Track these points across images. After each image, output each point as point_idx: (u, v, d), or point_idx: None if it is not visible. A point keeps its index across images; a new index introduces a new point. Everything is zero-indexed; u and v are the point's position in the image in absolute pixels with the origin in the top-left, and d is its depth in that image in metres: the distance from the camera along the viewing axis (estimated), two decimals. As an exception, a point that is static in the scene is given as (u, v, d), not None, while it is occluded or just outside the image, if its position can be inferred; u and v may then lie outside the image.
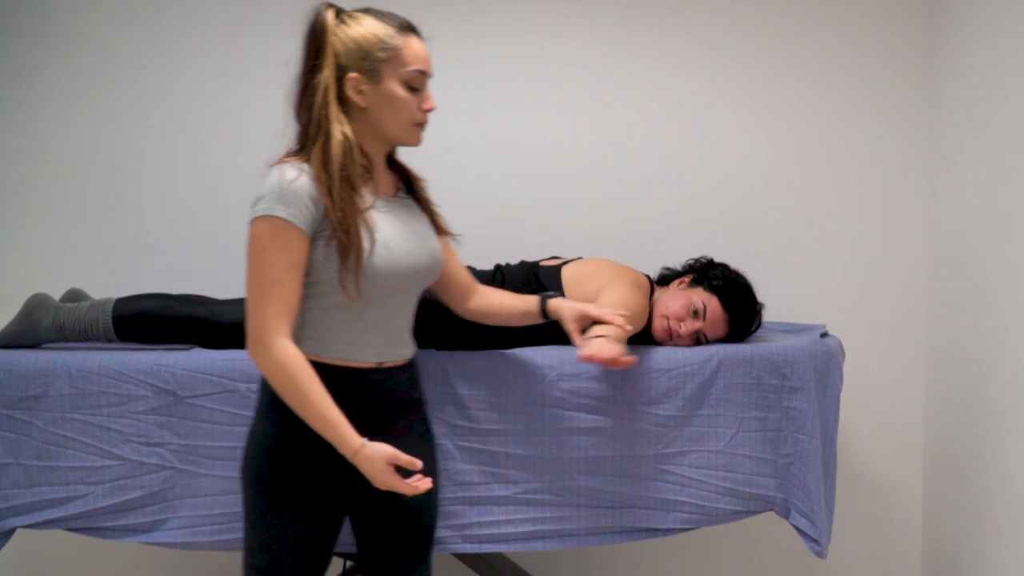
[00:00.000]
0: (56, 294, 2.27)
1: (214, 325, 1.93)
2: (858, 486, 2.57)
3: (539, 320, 1.73)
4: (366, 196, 1.48)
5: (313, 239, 1.43)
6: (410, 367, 1.59)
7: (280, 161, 1.47)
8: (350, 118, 1.47)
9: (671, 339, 1.93)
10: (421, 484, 1.42)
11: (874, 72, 2.52)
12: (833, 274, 2.54)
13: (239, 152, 2.51)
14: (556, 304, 1.71)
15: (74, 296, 2.04)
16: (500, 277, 1.99)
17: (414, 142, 1.54)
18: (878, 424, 2.56)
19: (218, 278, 2.45)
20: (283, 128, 1.52)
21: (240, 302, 1.97)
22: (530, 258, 2.18)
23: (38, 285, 2.40)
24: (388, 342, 1.53)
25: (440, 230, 1.64)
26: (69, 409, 1.79)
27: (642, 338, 1.93)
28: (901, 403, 2.56)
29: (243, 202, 2.50)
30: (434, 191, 1.68)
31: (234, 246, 2.51)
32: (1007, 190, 2.09)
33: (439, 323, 1.82)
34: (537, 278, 1.96)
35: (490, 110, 2.54)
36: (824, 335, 2.05)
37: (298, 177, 1.41)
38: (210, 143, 2.51)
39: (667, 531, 1.86)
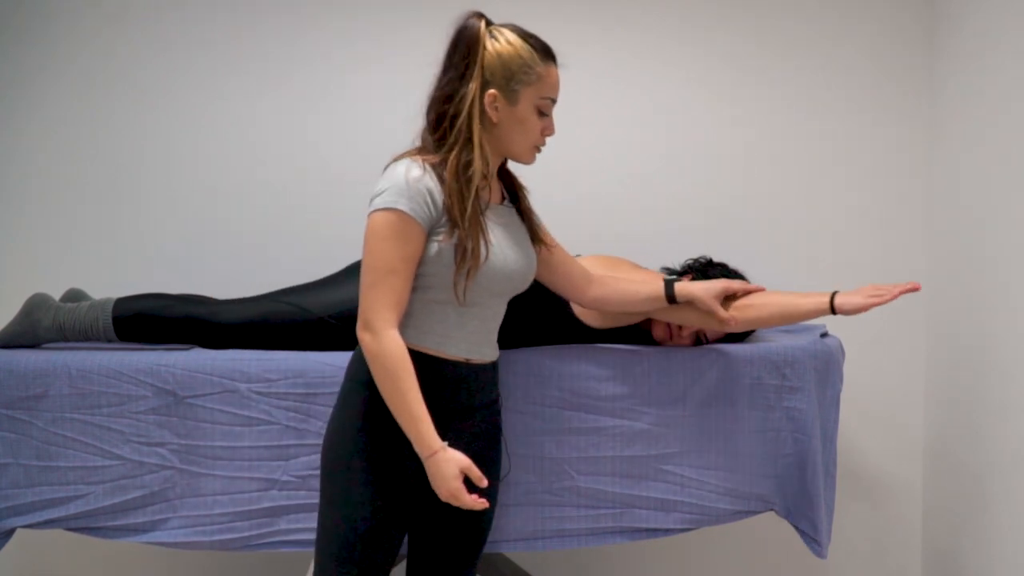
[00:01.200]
0: (56, 294, 2.27)
1: (214, 325, 1.93)
2: (858, 486, 2.57)
3: (664, 304, 1.74)
4: (480, 204, 1.51)
5: (427, 236, 1.47)
6: (493, 368, 1.62)
7: (403, 156, 1.50)
8: (482, 129, 1.50)
9: (671, 339, 1.93)
10: (481, 502, 1.44)
11: (874, 72, 2.52)
12: (833, 274, 2.54)
13: (239, 152, 2.51)
14: (686, 288, 1.72)
15: (74, 296, 2.04)
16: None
17: (529, 161, 1.59)
18: (878, 424, 2.56)
19: (218, 278, 2.45)
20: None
21: (240, 302, 1.98)
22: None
23: (38, 285, 2.40)
24: (479, 341, 1.57)
25: (536, 238, 1.65)
26: (69, 409, 1.79)
27: (642, 338, 1.93)
28: (901, 403, 2.56)
29: (243, 202, 2.54)
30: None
31: (234, 246, 2.53)
32: (1007, 190, 2.09)
33: None
34: (538, 277, 1.96)
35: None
36: (824, 335, 2.05)
37: (423, 176, 1.46)
38: (210, 143, 2.51)
39: (667, 531, 1.86)
